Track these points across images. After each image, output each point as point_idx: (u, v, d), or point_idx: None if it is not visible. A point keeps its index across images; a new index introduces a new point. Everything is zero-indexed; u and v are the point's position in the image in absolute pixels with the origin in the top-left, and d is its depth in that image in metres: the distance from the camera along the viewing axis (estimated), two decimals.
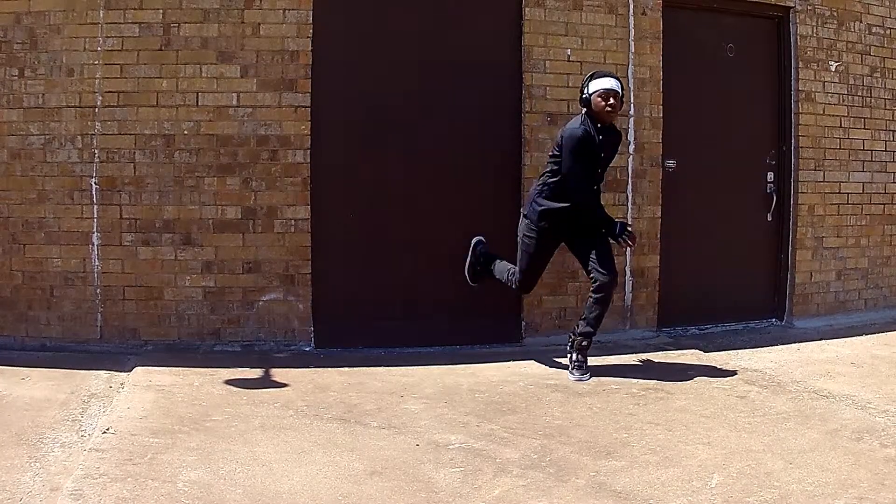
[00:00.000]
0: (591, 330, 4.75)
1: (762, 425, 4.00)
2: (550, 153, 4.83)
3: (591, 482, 3.31)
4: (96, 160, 5.06)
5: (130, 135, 5.06)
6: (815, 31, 6.14)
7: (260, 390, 4.39)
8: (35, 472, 3.26)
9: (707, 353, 5.34)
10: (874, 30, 6.38)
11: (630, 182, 5.67)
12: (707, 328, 6.06)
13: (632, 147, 5.65)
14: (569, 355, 4.83)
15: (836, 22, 6.22)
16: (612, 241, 4.75)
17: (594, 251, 4.71)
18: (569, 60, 5.48)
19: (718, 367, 5.03)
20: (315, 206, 5.23)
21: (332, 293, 5.28)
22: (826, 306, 6.31)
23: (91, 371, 4.61)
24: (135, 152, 5.07)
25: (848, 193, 6.34)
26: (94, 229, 5.07)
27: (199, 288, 5.14)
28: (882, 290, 6.57)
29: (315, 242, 5.24)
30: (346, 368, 4.86)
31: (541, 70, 5.47)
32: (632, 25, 5.65)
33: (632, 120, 5.65)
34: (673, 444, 3.74)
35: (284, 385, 4.49)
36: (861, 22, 6.32)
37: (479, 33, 5.49)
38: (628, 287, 5.73)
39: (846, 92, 6.27)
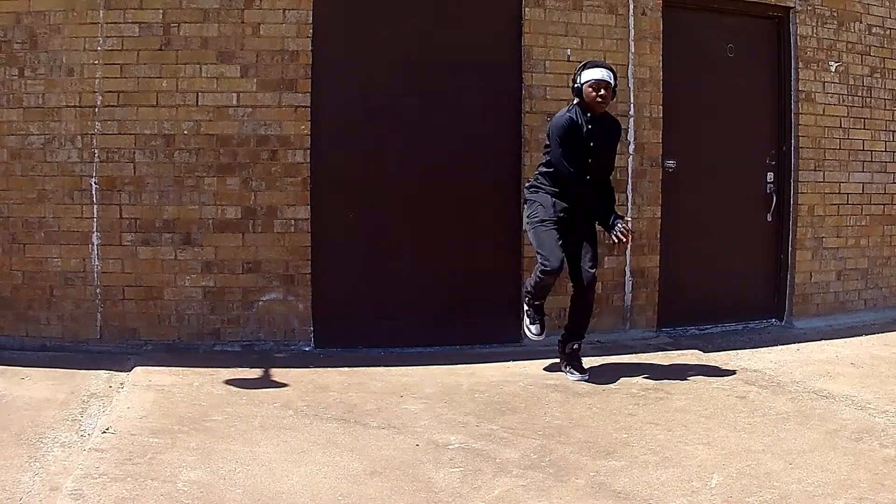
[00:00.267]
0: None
1: (762, 425, 4.00)
2: (545, 145, 4.84)
3: (591, 482, 3.31)
4: (96, 160, 5.06)
5: (130, 135, 5.07)
6: (815, 31, 6.14)
7: (260, 390, 4.39)
8: (35, 472, 3.26)
9: (707, 354, 5.34)
10: (874, 30, 6.38)
11: (630, 182, 5.67)
12: (707, 328, 6.06)
13: (632, 147, 5.66)
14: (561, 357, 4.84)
15: (836, 22, 6.22)
16: (607, 235, 4.66)
17: (579, 250, 4.69)
18: (569, 60, 5.46)
19: (718, 367, 5.03)
20: (315, 206, 5.23)
21: (331, 293, 5.28)
22: (826, 306, 6.32)
23: (91, 371, 4.61)
24: (135, 152, 5.07)
25: (848, 194, 6.35)
26: (94, 229, 5.07)
27: (198, 288, 5.15)
28: (882, 291, 6.57)
29: (315, 242, 5.24)
30: (346, 368, 4.86)
31: (541, 70, 5.47)
32: (632, 25, 5.65)
33: (632, 120, 5.65)
34: (673, 445, 3.74)
35: (284, 385, 4.49)
36: (861, 22, 6.32)
37: (479, 33, 5.49)
38: (628, 287, 5.73)
39: (846, 92, 6.27)
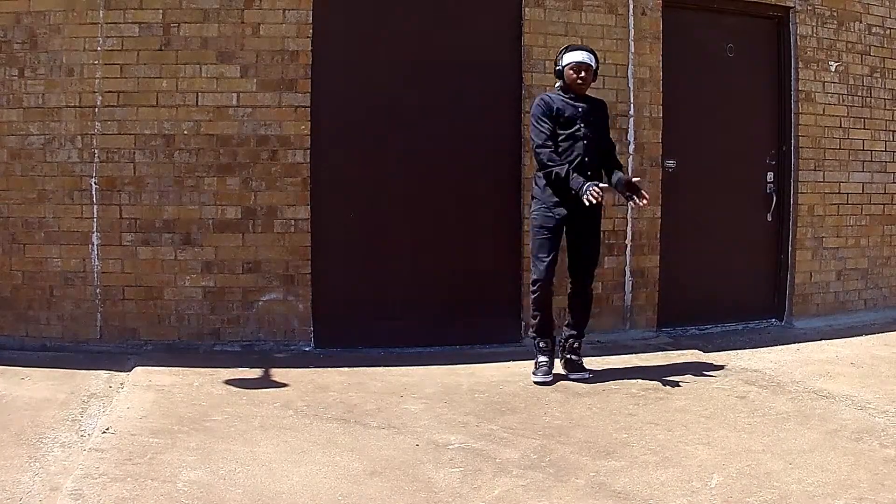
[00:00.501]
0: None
1: (762, 426, 4.00)
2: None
3: (591, 482, 3.31)
4: (96, 160, 5.06)
5: (130, 135, 5.07)
6: (814, 31, 6.14)
7: (260, 390, 4.39)
8: (35, 472, 3.26)
9: (707, 354, 5.34)
10: (874, 30, 6.38)
11: None
12: (707, 328, 6.06)
13: (632, 147, 5.66)
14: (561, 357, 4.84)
15: (835, 22, 6.22)
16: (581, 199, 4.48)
17: (580, 247, 4.71)
18: None
19: (718, 367, 5.03)
20: (315, 206, 5.23)
21: (331, 293, 5.28)
22: (826, 306, 6.32)
23: (91, 371, 4.61)
24: (135, 152, 5.07)
25: (848, 194, 6.35)
26: (94, 229, 5.07)
27: (198, 288, 5.15)
28: (882, 291, 6.57)
29: (315, 242, 5.24)
30: (346, 368, 4.86)
31: (541, 70, 5.46)
32: (632, 25, 5.65)
33: (632, 120, 5.65)
34: (673, 445, 3.74)
35: (284, 385, 4.49)
36: (861, 22, 6.32)
37: (479, 33, 5.49)
38: (628, 287, 5.73)
39: (846, 92, 6.27)
